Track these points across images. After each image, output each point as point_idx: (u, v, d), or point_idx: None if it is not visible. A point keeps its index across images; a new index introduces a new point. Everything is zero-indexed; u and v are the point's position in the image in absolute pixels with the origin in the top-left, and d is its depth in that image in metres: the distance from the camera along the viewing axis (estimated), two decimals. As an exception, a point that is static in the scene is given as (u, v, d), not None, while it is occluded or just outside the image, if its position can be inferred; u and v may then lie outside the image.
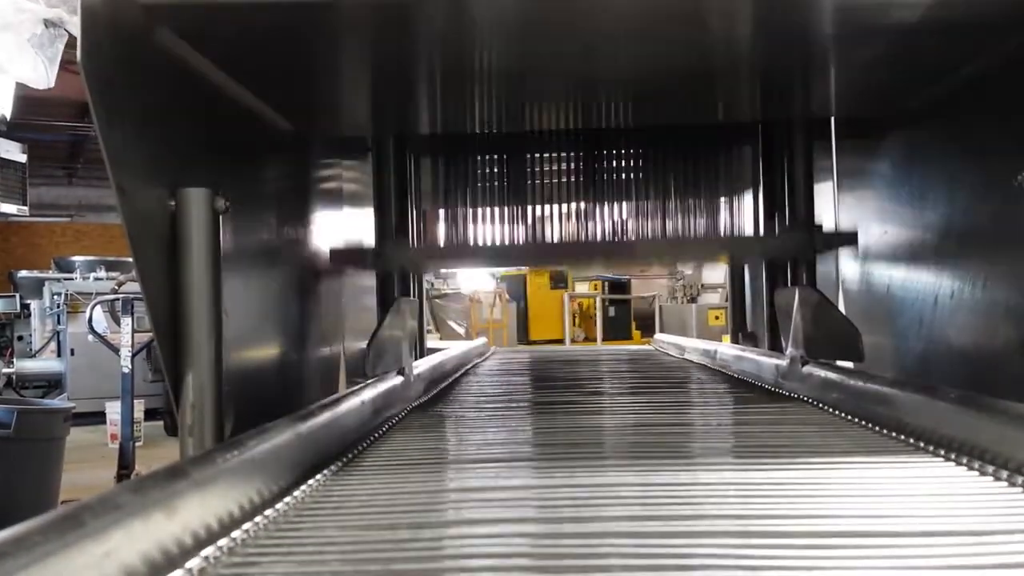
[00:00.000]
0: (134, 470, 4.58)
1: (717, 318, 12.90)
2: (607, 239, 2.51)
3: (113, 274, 11.37)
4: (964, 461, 1.21)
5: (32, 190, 15.79)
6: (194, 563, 0.80)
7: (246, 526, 0.95)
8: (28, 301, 11.52)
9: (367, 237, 2.67)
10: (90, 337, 6.35)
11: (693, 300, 14.96)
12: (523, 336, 13.00)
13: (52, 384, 10.16)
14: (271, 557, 0.88)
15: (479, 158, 2.55)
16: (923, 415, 1.36)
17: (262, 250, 1.83)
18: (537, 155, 2.51)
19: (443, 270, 13.01)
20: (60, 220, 16.47)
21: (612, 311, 13.55)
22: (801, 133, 2.30)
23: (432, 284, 11.50)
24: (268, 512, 1.03)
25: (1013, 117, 1.60)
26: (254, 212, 1.79)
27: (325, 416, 1.37)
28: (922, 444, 1.33)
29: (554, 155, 2.51)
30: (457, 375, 2.81)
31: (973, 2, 1.33)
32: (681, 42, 1.55)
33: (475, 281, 13.07)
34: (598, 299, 12.96)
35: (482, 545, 0.93)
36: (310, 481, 1.21)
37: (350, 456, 1.42)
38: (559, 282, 13.43)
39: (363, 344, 2.68)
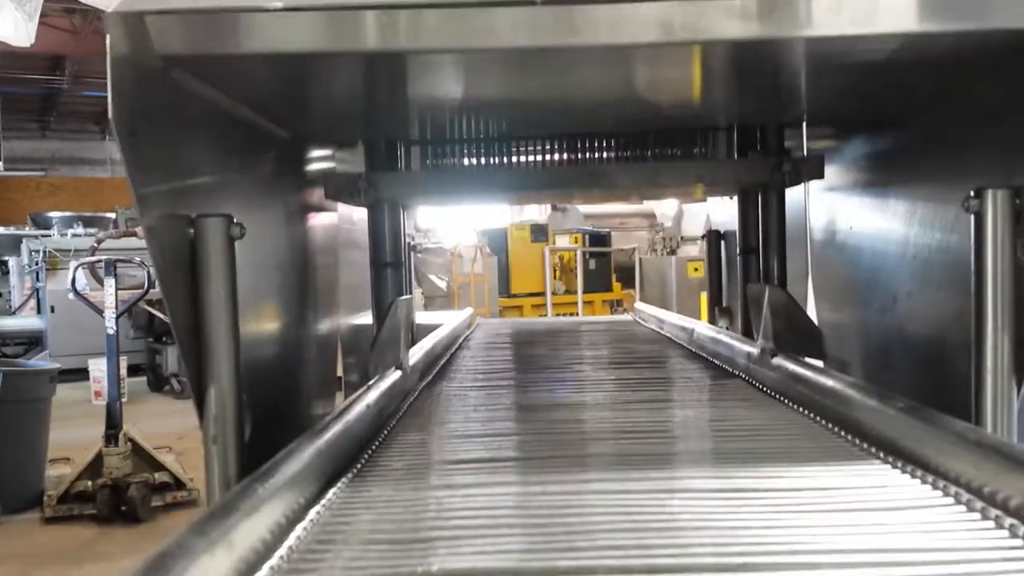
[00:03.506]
0: (121, 429, 4.65)
1: (696, 270, 13.08)
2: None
3: (91, 230, 11.32)
4: (897, 463, 1.39)
5: (5, 144, 15.52)
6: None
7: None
8: (5, 258, 11.45)
9: (361, 222, 2.82)
10: (71, 295, 6.34)
11: (673, 252, 15.14)
12: (504, 289, 13.14)
13: (33, 341, 10.18)
14: (376, 480, 1.37)
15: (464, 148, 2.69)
16: (874, 418, 1.53)
17: (268, 246, 1.94)
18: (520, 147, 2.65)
19: (426, 228, 13.11)
20: (34, 174, 16.25)
21: (592, 264, 13.69)
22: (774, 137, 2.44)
23: (413, 238, 11.55)
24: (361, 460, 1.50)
25: (960, 138, 1.75)
26: (260, 218, 1.89)
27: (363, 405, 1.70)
28: (866, 445, 1.51)
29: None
30: (451, 352, 3.00)
31: (924, 46, 1.46)
32: (663, 78, 1.66)
33: (456, 235, 13.14)
34: (578, 252, 13.08)
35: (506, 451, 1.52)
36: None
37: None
38: (540, 236, 13.52)
39: (358, 321, 2.84)
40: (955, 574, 0.95)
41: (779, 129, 2.60)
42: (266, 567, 0.98)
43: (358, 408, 1.62)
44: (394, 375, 1.99)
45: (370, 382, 1.85)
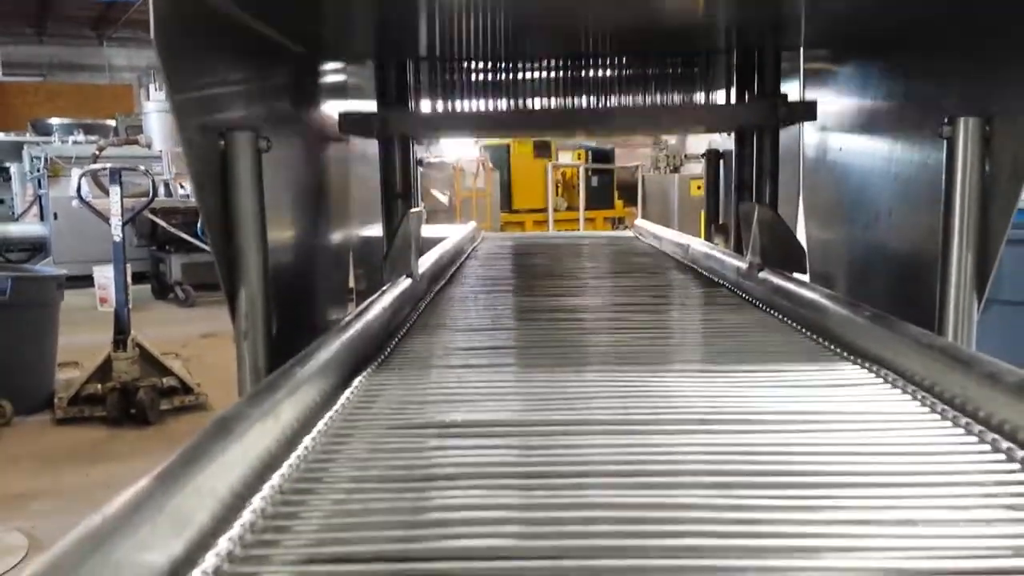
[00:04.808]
0: (129, 334, 4.78)
1: (699, 188, 13.10)
2: (589, 107, 2.78)
3: (92, 138, 11.29)
4: (857, 361, 1.57)
5: (1, 48, 15.24)
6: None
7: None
8: (7, 165, 11.47)
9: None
10: (75, 203, 6.33)
11: (676, 170, 15.12)
12: (506, 205, 13.21)
13: (36, 248, 10.29)
14: (401, 364, 1.59)
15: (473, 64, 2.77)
16: (841, 323, 1.70)
17: (287, 159, 2.06)
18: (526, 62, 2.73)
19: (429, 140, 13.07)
20: (33, 80, 16.08)
21: (595, 181, 13.71)
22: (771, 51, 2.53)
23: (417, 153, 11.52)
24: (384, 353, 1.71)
25: (940, 58, 1.86)
26: (281, 132, 2.01)
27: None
28: (833, 347, 1.69)
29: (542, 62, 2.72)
30: (457, 264, 3.17)
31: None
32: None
33: (459, 150, 13.11)
34: (581, 169, 13.08)
35: (512, 343, 1.76)
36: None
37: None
38: (542, 151, 13.49)
39: (368, 233, 2.99)
40: (877, 430, 1.17)
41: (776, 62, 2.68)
42: (320, 423, 1.20)
43: (376, 308, 1.79)
44: (406, 281, 2.14)
45: (384, 287, 2.00)
